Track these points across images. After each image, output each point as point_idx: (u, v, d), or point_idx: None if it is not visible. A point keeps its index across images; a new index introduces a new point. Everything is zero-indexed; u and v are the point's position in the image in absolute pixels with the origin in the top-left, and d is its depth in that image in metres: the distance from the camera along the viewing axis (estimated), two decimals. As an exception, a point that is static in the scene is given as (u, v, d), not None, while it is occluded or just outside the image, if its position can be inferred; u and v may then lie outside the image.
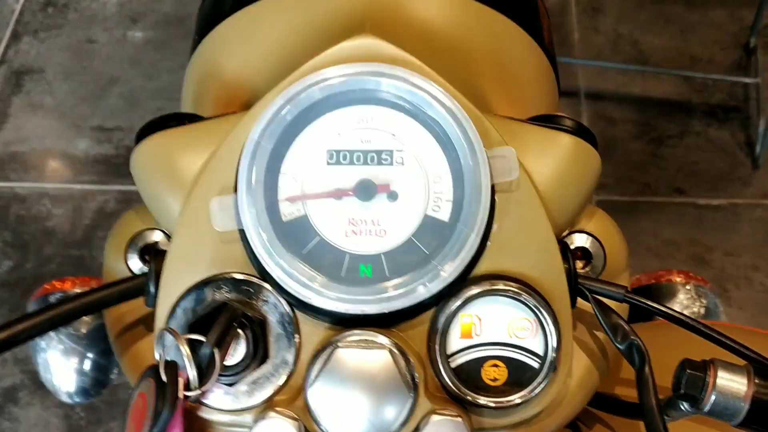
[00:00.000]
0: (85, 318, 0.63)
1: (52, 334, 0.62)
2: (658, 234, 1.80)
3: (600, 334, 0.43)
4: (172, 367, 0.34)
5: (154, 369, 0.35)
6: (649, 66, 2.03)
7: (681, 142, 1.91)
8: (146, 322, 0.44)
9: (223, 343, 0.35)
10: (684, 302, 0.66)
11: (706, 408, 0.36)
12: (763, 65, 1.95)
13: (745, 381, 0.37)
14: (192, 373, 0.34)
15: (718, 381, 0.37)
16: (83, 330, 0.63)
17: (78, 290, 0.67)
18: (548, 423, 0.40)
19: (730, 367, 0.37)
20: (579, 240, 0.43)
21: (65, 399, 0.67)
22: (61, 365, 0.65)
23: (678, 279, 0.68)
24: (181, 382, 0.33)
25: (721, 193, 1.83)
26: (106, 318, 0.46)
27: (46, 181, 1.92)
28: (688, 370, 0.38)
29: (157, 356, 0.37)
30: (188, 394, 0.34)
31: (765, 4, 1.95)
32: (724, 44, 2.05)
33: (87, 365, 0.64)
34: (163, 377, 0.34)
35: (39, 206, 1.87)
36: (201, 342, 0.35)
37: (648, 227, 1.80)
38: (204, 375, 0.35)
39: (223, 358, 0.35)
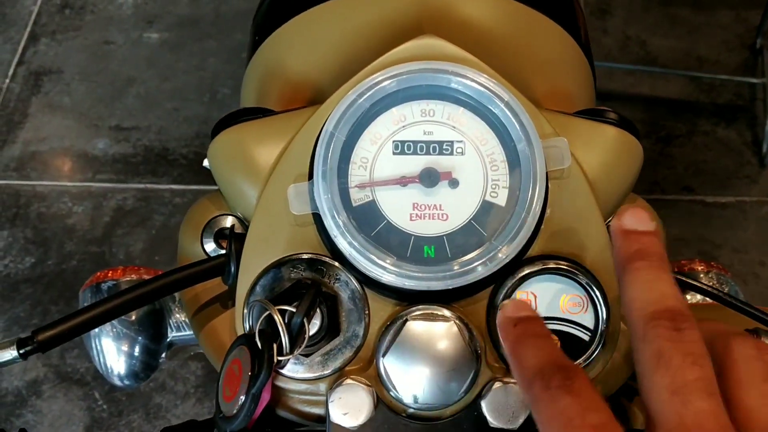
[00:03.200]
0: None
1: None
2: (667, 231, 1.83)
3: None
4: (267, 335, 0.37)
5: (246, 338, 0.38)
6: (656, 67, 2.06)
7: (689, 141, 1.94)
8: (221, 300, 0.47)
9: (310, 314, 0.39)
10: (707, 289, 0.69)
11: None
12: (770, 66, 1.98)
13: None
14: (285, 339, 0.37)
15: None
16: (134, 316, 0.67)
17: (129, 278, 0.70)
18: None
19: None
20: (622, 225, 0.47)
21: (116, 382, 0.70)
22: (112, 350, 0.67)
23: (700, 267, 0.71)
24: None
25: (729, 191, 1.86)
26: (183, 298, 0.49)
27: (66, 179, 1.96)
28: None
29: (246, 327, 0.40)
30: (281, 358, 0.38)
31: (770, 8, 1.99)
32: (730, 45, 2.09)
33: (137, 350, 0.67)
34: (259, 344, 0.37)
35: (59, 204, 1.90)
36: (291, 312, 0.38)
37: (657, 224, 1.83)
38: (294, 342, 0.38)
39: (306, 334, 0.38)
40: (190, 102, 2.07)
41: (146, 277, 0.69)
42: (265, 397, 0.39)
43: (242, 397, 0.36)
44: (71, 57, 2.17)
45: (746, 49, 2.07)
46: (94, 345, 0.68)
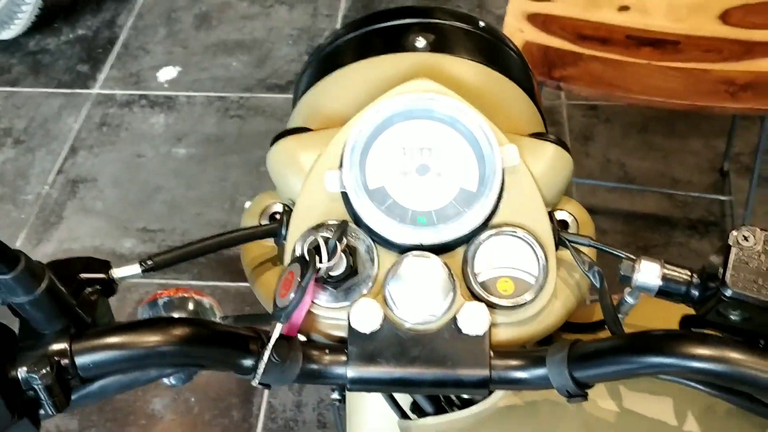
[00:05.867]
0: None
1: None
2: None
3: (575, 275, 0.64)
4: (312, 252, 0.55)
5: (297, 258, 0.56)
6: (635, 185, 2.29)
7: (665, 251, 2.13)
8: (272, 260, 0.65)
9: (341, 240, 0.56)
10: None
11: (636, 283, 0.56)
12: (736, 186, 2.20)
13: (658, 266, 0.57)
14: (324, 252, 0.55)
15: (642, 264, 0.56)
16: None
17: (181, 296, 0.86)
18: (538, 324, 0.60)
19: (648, 258, 0.57)
20: (560, 215, 0.65)
21: (166, 382, 0.85)
22: None
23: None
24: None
25: (703, 295, 2.02)
26: (244, 258, 0.67)
27: (95, 273, 2.13)
28: (624, 262, 0.58)
29: (298, 251, 0.58)
30: (320, 265, 0.55)
31: (734, 135, 2.23)
32: (701, 168, 2.32)
33: None
34: (307, 257, 0.54)
35: (88, 295, 2.07)
36: (326, 238, 0.56)
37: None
38: (330, 257, 0.56)
39: (338, 252, 0.56)
40: (212, 208, 2.28)
41: (195, 297, 0.85)
42: (307, 300, 0.56)
43: (293, 294, 0.53)
44: (106, 167, 2.40)
45: (715, 172, 2.30)
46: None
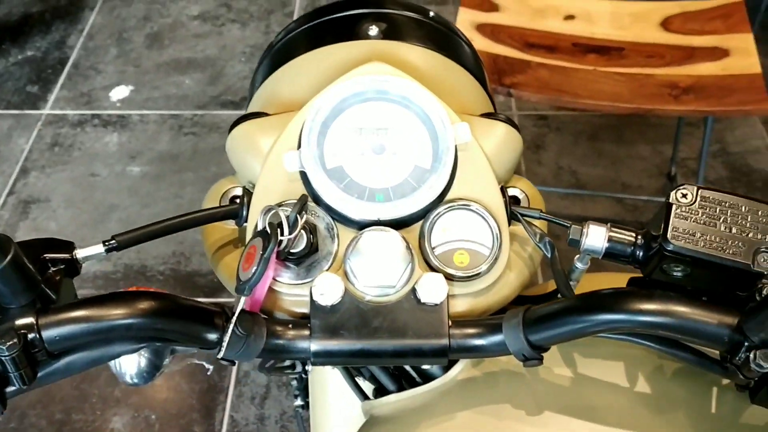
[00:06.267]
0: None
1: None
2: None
3: (528, 249, 0.66)
4: (273, 225, 0.56)
5: (259, 232, 0.57)
6: (586, 191, 2.34)
7: (618, 253, 2.18)
8: (233, 243, 0.66)
9: (301, 213, 0.58)
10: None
11: (584, 246, 0.59)
12: (683, 188, 2.27)
13: (604, 229, 0.59)
14: (285, 224, 0.56)
15: (590, 228, 0.58)
16: None
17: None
18: (494, 295, 0.62)
19: (596, 222, 0.60)
20: (511, 191, 0.68)
21: (128, 380, 0.84)
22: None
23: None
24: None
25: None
26: (205, 241, 0.68)
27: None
28: (573, 226, 0.60)
29: (260, 226, 0.59)
30: (282, 237, 0.56)
31: (680, 140, 2.31)
32: (649, 173, 2.38)
33: (146, 352, 0.82)
34: (268, 230, 0.56)
35: (43, 315, 2.04)
36: (287, 211, 0.57)
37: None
38: (291, 230, 0.57)
39: (299, 226, 0.57)
40: (168, 225, 2.27)
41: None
42: (269, 274, 0.57)
43: (255, 266, 0.54)
44: (58, 187, 2.38)
45: (663, 176, 2.36)
46: (110, 350, 0.83)
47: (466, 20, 1.93)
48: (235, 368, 1.95)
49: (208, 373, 1.96)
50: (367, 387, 0.77)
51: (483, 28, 1.93)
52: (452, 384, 0.65)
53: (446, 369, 0.68)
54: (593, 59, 1.87)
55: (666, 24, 1.96)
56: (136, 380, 0.84)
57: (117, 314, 0.52)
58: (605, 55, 1.88)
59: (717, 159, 2.42)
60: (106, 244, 0.60)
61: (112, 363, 0.82)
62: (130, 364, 0.83)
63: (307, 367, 1.06)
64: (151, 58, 2.81)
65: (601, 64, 1.85)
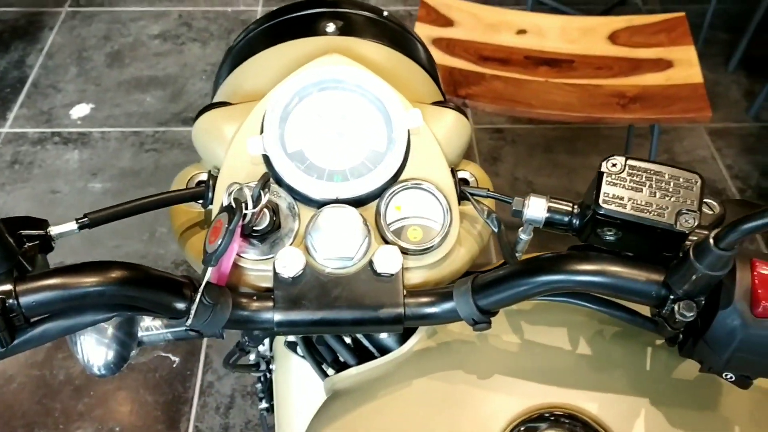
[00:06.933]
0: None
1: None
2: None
3: (477, 227, 0.71)
4: (238, 200, 0.60)
5: (225, 208, 0.61)
6: (541, 200, 2.40)
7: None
8: (199, 224, 0.70)
9: (264, 190, 0.61)
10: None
11: (526, 217, 0.63)
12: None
13: (544, 200, 0.64)
14: (250, 200, 0.60)
15: (531, 200, 0.63)
16: (113, 320, 0.85)
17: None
18: (446, 268, 0.67)
19: (536, 194, 0.65)
20: (461, 174, 0.72)
21: (95, 372, 0.86)
22: (93, 346, 0.84)
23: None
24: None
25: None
26: (173, 224, 0.71)
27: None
28: (516, 198, 0.65)
29: (225, 202, 0.62)
30: (246, 211, 0.60)
31: (630, 150, 2.39)
32: (601, 183, 2.46)
33: (113, 346, 0.84)
34: (233, 205, 0.59)
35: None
36: (251, 188, 0.61)
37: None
38: (255, 204, 0.61)
39: (262, 201, 0.61)
40: (131, 240, 2.28)
41: None
42: (234, 246, 0.60)
43: (221, 239, 0.58)
44: (19, 204, 2.37)
45: (615, 186, 2.44)
46: (78, 341, 0.85)
47: (422, 35, 1.99)
48: (199, 379, 1.96)
49: (174, 366, 1.97)
50: (332, 374, 0.80)
51: (439, 42, 2.00)
52: (409, 354, 0.69)
53: (403, 341, 0.72)
54: (545, 71, 1.95)
55: (613, 37, 2.05)
56: (103, 371, 0.85)
57: (91, 281, 0.55)
58: (556, 67, 1.96)
59: (666, 168, 2.51)
60: (79, 221, 0.63)
61: (79, 355, 0.83)
62: (97, 356, 0.84)
63: (271, 366, 1.09)
64: (111, 77, 2.83)
65: (552, 76, 1.93)
